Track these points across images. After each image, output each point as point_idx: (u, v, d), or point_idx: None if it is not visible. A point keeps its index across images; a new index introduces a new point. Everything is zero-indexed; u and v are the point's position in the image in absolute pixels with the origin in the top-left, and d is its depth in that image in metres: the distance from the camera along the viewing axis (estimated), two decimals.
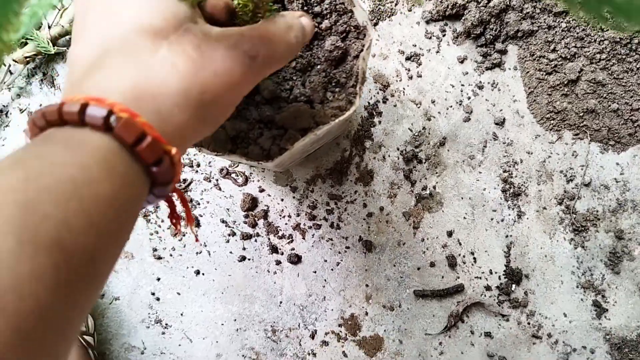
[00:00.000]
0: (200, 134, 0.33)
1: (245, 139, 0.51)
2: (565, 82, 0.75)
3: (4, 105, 0.80)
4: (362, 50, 0.52)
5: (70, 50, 0.32)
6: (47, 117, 0.27)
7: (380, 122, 0.78)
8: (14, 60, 0.76)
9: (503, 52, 0.78)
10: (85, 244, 0.25)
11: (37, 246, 0.22)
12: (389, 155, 0.78)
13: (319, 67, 0.53)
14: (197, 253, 0.78)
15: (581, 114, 0.76)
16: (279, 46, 0.35)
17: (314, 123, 0.51)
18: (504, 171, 0.77)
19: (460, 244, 0.77)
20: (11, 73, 0.78)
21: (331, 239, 0.77)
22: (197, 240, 0.41)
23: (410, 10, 0.79)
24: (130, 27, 0.30)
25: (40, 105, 0.79)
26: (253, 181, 0.78)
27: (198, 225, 0.78)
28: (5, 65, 0.77)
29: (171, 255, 0.78)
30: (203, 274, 0.78)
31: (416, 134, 0.78)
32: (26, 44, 0.76)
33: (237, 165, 0.78)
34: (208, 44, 0.31)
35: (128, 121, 0.27)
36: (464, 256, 0.77)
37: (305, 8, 0.53)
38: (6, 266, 0.21)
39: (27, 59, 0.75)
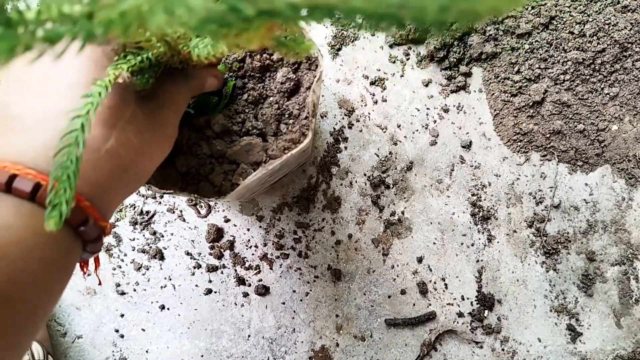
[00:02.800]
0: (124, 197, 0.36)
1: (196, 175, 0.50)
2: (531, 104, 0.75)
3: None
4: (313, 82, 0.51)
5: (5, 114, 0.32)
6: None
7: (346, 147, 0.77)
8: None
9: (467, 74, 0.77)
10: (29, 299, 0.28)
11: None
12: (356, 181, 0.77)
13: (271, 99, 0.52)
14: (161, 287, 0.75)
15: (548, 135, 0.75)
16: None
17: (267, 157, 0.50)
18: (473, 195, 0.76)
19: (430, 270, 0.76)
20: None
21: (299, 269, 0.76)
22: (99, 283, 0.43)
23: (373, 34, 0.79)
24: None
25: None
26: (218, 211, 0.76)
27: (162, 258, 0.76)
28: None
29: (135, 290, 0.76)
30: (168, 309, 0.75)
31: (383, 159, 0.77)
32: None
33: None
34: (151, 128, 0.36)
35: (76, 207, 0.30)
36: (435, 282, 0.75)
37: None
38: None
39: None
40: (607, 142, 0.74)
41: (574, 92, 0.74)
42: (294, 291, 0.75)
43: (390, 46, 0.78)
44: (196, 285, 0.76)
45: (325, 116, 0.77)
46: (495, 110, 0.77)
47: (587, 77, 0.73)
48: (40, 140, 0.30)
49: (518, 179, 0.77)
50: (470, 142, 0.77)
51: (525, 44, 0.75)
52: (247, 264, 0.76)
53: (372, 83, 0.78)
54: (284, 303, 0.75)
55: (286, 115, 0.52)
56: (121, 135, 0.33)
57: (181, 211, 0.76)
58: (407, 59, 0.78)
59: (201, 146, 0.50)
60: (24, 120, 0.31)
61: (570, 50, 0.73)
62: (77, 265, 0.35)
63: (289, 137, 0.50)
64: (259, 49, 0.52)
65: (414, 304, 0.75)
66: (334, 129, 0.77)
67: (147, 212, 0.76)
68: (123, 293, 0.76)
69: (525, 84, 0.75)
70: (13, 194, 0.28)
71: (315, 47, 0.50)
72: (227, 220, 0.76)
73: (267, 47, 0.53)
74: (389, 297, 0.75)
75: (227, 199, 0.50)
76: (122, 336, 0.75)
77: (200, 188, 0.49)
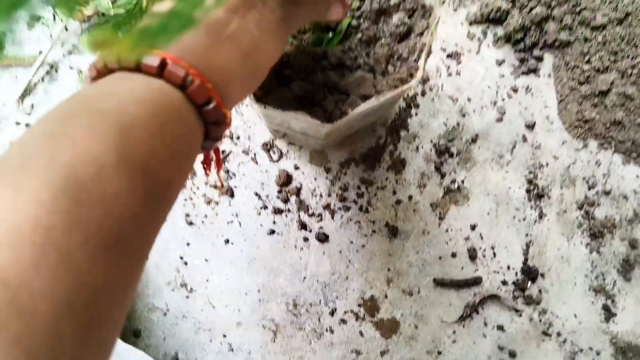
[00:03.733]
0: (243, 95, 0.38)
1: (310, 100, 0.54)
2: (596, 93, 0.79)
3: (54, 61, 0.82)
4: (427, 27, 0.55)
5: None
6: (122, 64, 0.31)
7: (417, 113, 0.81)
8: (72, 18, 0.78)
9: (539, 59, 0.81)
10: (165, 173, 0.29)
11: (132, 166, 0.26)
12: (422, 147, 0.81)
13: (383, 40, 0.56)
14: (228, 222, 0.80)
15: (608, 125, 0.80)
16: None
17: (375, 92, 0.54)
18: (530, 172, 0.81)
19: (482, 238, 0.80)
20: (67, 30, 0.80)
21: (359, 222, 0.80)
22: (222, 187, 0.46)
23: (455, 10, 0.83)
24: None
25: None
26: (289, 158, 0.81)
27: (232, 195, 0.80)
28: (63, 21, 0.79)
29: (203, 222, 0.80)
30: (232, 244, 0.80)
31: (450, 128, 0.81)
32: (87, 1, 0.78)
33: (276, 140, 0.81)
34: (267, 24, 0.37)
35: (201, 85, 0.31)
36: (484, 250, 0.80)
37: None
38: (109, 179, 0.25)
39: (85, 18, 0.77)
40: None
41: (639, 87, 0.78)
42: (352, 242, 0.80)
43: (470, 23, 0.82)
44: (261, 225, 0.80)
45: None
46: (561, 95, 0.81)
47: None
48: (194, 39, 0.32)
49: (574, 163, 0.81)
50: (534, 123, 0.81)
51: (598, 35, 0.79)
52: (310, 211, 0.80)
53: (448, 56, 0.82)
54: (340, 252, 0.80)
55: (395, 57, 0.56)
56: (242, 21, 0.34)
57: (255, 154, 0.81)
58: (485, 37, 0.82)
59: (317, 75, 0.54)
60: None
61: None
62: (200, 164, 0.37)
63: (397, 76, 0.54)
64: None
65: (462, 268, 0.80)
66: (407, 95, 0.81)
67: (223, 152, 0.81)
68: (191, 223, 0.80)
69: (593, 74, 0.79)
70: (142, 70, 0.30)
71: None
72: (296, 168, 0.81)
73: None
74: (440, 258, 0.80)
75: (332, 127, 0.54)
76: (185, 263, 0.80)
77: (313, 112, 0.53)
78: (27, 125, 0.81)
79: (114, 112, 0.26)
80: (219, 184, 0.80)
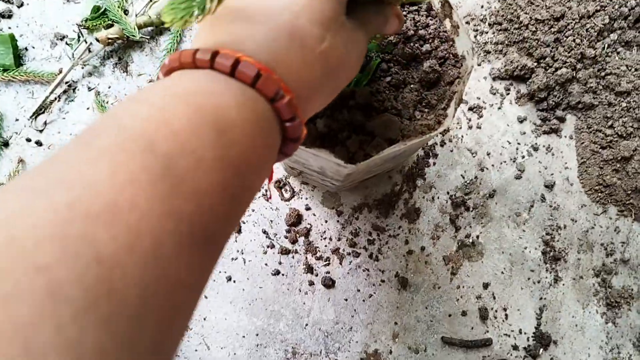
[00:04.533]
0: (314, 112, 0.38)
1: (334, 138, 0.52)
2: (619, 158, 0.78)
3: (73, 81, 0.81)
4: (457, 77, 0.54)
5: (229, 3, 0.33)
6: (224, 63, 0.30)
7: (434, 163, 0.80)
8: (96, 39, 0.77)
9: (562, 119, 0.80)
10: (251, 179, 0.29)
11: (226, 165, 0.26)
12: (438, 197, 0.79)
13: (412, 86, 0.55)
14: (232, 259, 0.77)
15: (629, 192, 0.78)
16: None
17: (401, 136, 0.53)
18: (547, 234, 0.78)
19: (494, 297, 0.77)
20: (90, 51, 0.80)
21: (368, 270, 0.77)
22: (270, 197, 0.45)
23: (479, 65, 0.83)
24: (303, 13, 0.33)
25: (109, 87, 0.81)
26: (301, 198, 0.78)
27: (239, 231, 0.77)
28: (86, 43, 0.79)
29: None
30: (234, 281, 0.76)
31: (468, 181, 0.79)
32: (112, 25, 0.78)
33: (289, 178, 0.79)
34: (351, 42, 0.37)
35: (290, 101, 0.31)
36: (496, 310, 0.77)
37: (412, 30, 0.56)
38: (205, 174, 0.25)
39: (109, 40, 0.77)
40: None
41: None
42: (359, 290, 0.77)
43: (494, 79, 0.82)
44: (266, 264, 0.77)
45: None
46: (582, 158, 0.80)
47: None
48: (262, 32, 0.31)
49: (593, 227, 0.79)
50: (554, 183, 0.79)
51: (622, 102, 0.78)
52: (318, 254, 0.77)
53: (470, 109, 0.81)
54: (346, 300, 0.76)
55: (423, 104, 0.55)
56: (333, 39, 0.34)
57: (266, 190, 0.79)
58: (507, 94, 0.81)
59: (343, 114, 0.53)
60: (246, 11, 0.32)
61: None
62: None
63: (424, 123, 0.53)
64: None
65: (472, 328, 0.76)
66: (427, 143, 0.80)
67: None
68: None
69: (616, 139, 0.78)
70: (237, 78, 0.29)
71: (470, 45, 0.53)
72: (307, 209, 0.78)
73: (420, 37, 0.56)
74: (450, 315, 0.76)
75: (356, 169, 0.52)
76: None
77: (336, 151, 0.51)
78: (37, 142, 0.79)
79: (214, 109, 0.27)
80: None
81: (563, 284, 0.77)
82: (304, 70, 0.33)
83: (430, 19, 0.56)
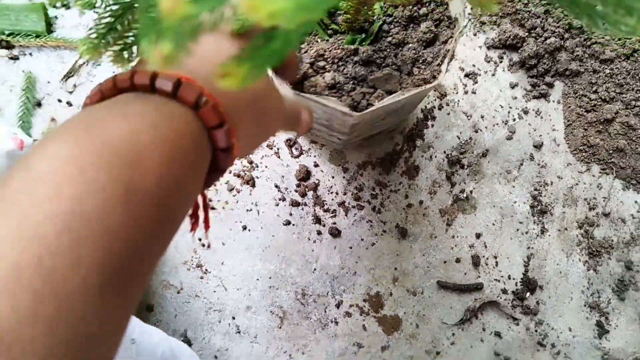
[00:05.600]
0: (249, 143, 0.37)
1: (340, 89, 0.60)
2: (601, 121, 0.85)
3: None
4: (451, 36, 0.61)
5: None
6: (137, 80, 0.29)
7: (432, 125, 0.87)
8: None
9: (550, 85, 0.87)
10: (172, 202, 0.27)
11: (139, 197, 0.24)
12: (436, 156, 0.86)
13: (410, 45, 0.62)
14: (247, 210, 0.84)
15: (611, 152, 0.85)
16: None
17: (400, 88, 0.60)
18: (535, 189, 0.86)
19: (485, 246, 0.84)
20: None
21: (371, 221, 0.85)
22: (209, 246, 0.44)
23: (475, 35, 0.90)
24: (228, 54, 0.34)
25: None
26: (310, 156, 0.86)
27: (253, 185, 0.85)
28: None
29: (223, 207, 0.84)
30: (249, 230, 0.84)
31: (463, 142, 0.87)
32: None
33: (299, 137, 0.86)
34: (274, 94, 0.38)
35: (214, 106, 0.30)
36: (487, 258, 0.84)
37: None
38: (114, 211, 0.23)
39: None
40: None
41: None
42: (362, 239, 0.84)
43: (488, 48, 0.89)
44: (277, 215, 0.84)
45: None
46: (568, 120, 0.87)
47: None
48: (190, 61, 0.28)
49: (577, 184, 0.86)
50: (542, 143, 0.87)
51: (606, 68, 0.85)
52: (325, 207, 0.85)
53: (466, 75, 0.88)
54: (351, 247, 0.84)
55: (420, 61, 0.62)
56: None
57: (278, 149, 0.86)
58: (501, 62, 0.88)
59: (348, 68, 0.60)
60: (195, 56, 0.30)
61: None
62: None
63: (421, 77, 0.60)
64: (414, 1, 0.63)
65: (465, 273, 0.84)
66: (426, 107, 0.87)
67: None
68: (213, 208, 0.84)
69: (599, 103, 0.85)
70: (157, 92, 0.28)
71: (462, 7, 0.60)
72: (316, 165, 0.86)
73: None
74: (445, 262, 0.84)
75: (360, 118, 0.60)
76: (203, 245, 0.84)
77: (342, 100, 0.59)
78: (68, 103, 0.87)
79: (125, 138, 0.25)
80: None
81: (549, 235, 0.85)
82: (228, 94, 0.31)
83: None
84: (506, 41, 0.87)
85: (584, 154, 0.86)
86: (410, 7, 0.63)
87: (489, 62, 0.89)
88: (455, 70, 0.89)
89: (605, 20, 0.36)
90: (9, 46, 0.89)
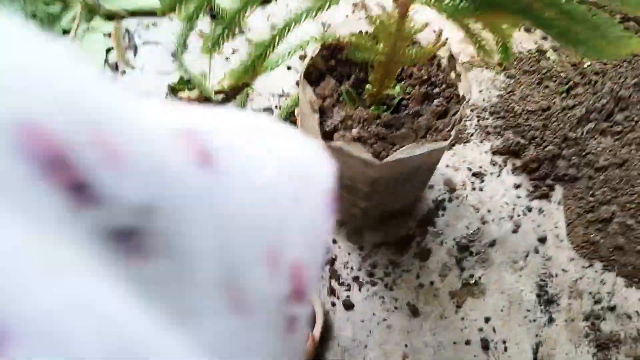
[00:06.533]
0: None
1: (365, 142, 0.70)
2: (600, 220, 0.92)
3: None
4: (459, 110, 0.73)
5: None
6: None
7: (443, 215, 0.95)
8: (180, 98, 1.00)
9: (551, 187, 0.97)
10: None
11: None
12: (446, 242, 0.93)
13: (425, 116, 0.73)
14: None
15: (611, 249, 0.91)
16: None
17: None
18: (541, 280, 0.90)
19: (494, 331, 0.87)
20: None
21: (383, 297, 0.89)
22: None
23: (481, 142, 1.02)
24: None
25: None
26: (330, 233, 0.93)
27: None
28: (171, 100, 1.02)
29: None
30: None
31: (471, 232, 0.94)
32: (194, 88, 1.01)
33: None
34: None
35: None
36: (496, 342, 0.86)
37: (425, 77, 0.76)
38: None
39: (190, 99, 0.99)
40: None
41: (637, 220, 0.91)
42: (374, 314, 0.87)
43: (493, 153, 1.01)
44: None
45: (432, 187, 0.97)
46: (569, 219, 0.94)
47: None
48: None
49: (581, 278, 0.90)
50: (546, 238, 0.93)
51: (601, 175, 0.95)
52: (340, 280, 0.90)
53: (473, 174, 0.98)
54: (362, 321, 0.87)
55: (433, 129, 0.73)
56: None
57: None
58: (505, 165, 0.99)
59: (371, 127, 0.71)
60: None
61: (638, 186, 0.92)
62: None
63: (433, 139, 0.70)
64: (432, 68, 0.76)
65: (475, 356, 0.85)
66: (437, 198, 0.96)
67: None
68: None
69: (597, 205, 0.94)
70: None
71: (468, 87, 0.72)
72: (334, 242, 0.93)
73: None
74: (454, 343, 0.86)
75: (380, 170, 0.69)
76: None
77: (365, 150, 0.69)
78: None
79: None
80: None
81: (556, 325, 0.87)
82: None
83: (440, 71, 0.77)
84: (509, 148, 0.99)
85: (586, 250, 0.92)
86: (426, 86, 0.76)
87: (494, 165, 1.00)
88: (464, 169, 0.99)
89: (581, 44, 0.47)
90: None
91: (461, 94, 0.74)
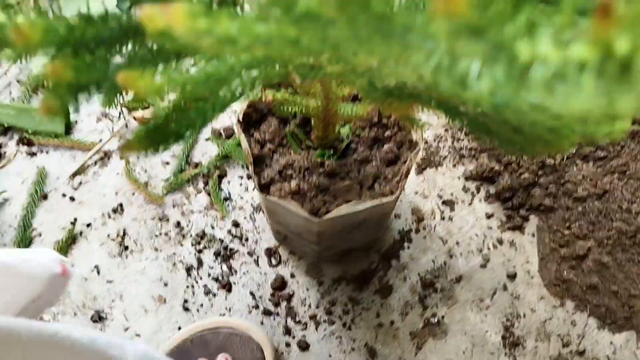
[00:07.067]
0: None
1: (303, 195, 0.64)
2: (574, 256, 0.86)
3: (109, 151, 0.97)
4: (410, 158, 0.66)
5: None
6: None
7: (409, 247, 0.90)
8: (134, 117, 0.94)
9: (525, 218, 0.91)
10: None
11: None
12: (410, 278, 0.88)
13: (373, 163, 0.67)
14: (220, 314, 0.86)
15: (584, 288, 0.85)
16: None
17: (359, 200, 0.64)
18: (507, 320, 0.86)
19: None
20: (127, 127, 0.96)
21: (340, 337, 0.85)
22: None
23: (454, 166, 0.95)
24: None
25: (138, 158, 0.96)
26: (288, 267, 0.89)
27: (229, 290, 0.87)
28: (125, 120, 0.96)
29: (198, 310, 0.87)
30: None
31: (437, 266, 0.89)
32: (148, 107, 0.95)
33: (279, 248, 0.90)
34: None
35: None
36: None
37: (376, 119, 0.70)
38: None
39: (144, 120, 0.94)
40: (636, 309, 0.84)
41: (614, 257, 0.85)
42: (330, 356, 0.84)
43: (466, 179, 0.94)
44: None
45: (399, 217, 0.92)
46: (542, 254, 0.89)
47: (628, 247, 0.85)
48: None
49: (550, 319, 0.86)
50: (515, 274, 0.88)
51: (579, 206, 0.89)
52: (297, 319, 0.86)
53: (443, 202, 0.92)
54: None
55: (382, 178, 0.67)
56: None
57: (258, 257, 0.90)
58: (478, 192, 0.93)
59: (312, 177, 0.65)
60: None
61: (616, 221, 0.86)
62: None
63: (380, 192, 0.65)
64: (390, 117, 0.69)
65: None
66: (403, 229, 0.91)
67: (231, 250, 0.90)
68: (187, 309, 0.87)
69: (572, 239, 0.88)
70: None
71: (422, 134, 0.66)
72: (292, 276, 0.88)
73: (398, 119, 0.70)
74: None
75: (321, 225, 0.64)
76: None
77: (303, 205, 0.63)
78: (71, 198, 0.94)
79: None
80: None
81: None
82: None
83: None
84: (483, 173, 0.93)
85: (557, 288, 0.87)
86: (376, 129, 0.69)
87: (466, 192, 0.93)
88: (434, 197, 0.93)
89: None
90: (30, 143, 0.99)
91: (414, 138, 0.68)
